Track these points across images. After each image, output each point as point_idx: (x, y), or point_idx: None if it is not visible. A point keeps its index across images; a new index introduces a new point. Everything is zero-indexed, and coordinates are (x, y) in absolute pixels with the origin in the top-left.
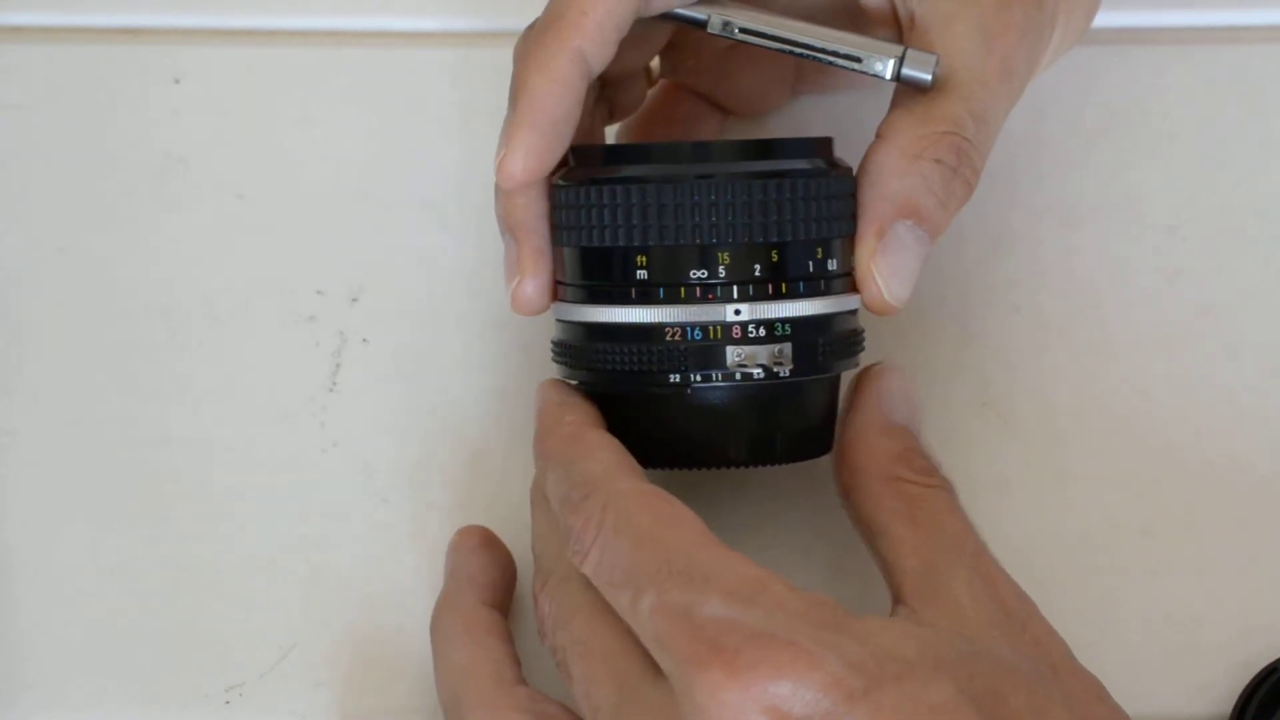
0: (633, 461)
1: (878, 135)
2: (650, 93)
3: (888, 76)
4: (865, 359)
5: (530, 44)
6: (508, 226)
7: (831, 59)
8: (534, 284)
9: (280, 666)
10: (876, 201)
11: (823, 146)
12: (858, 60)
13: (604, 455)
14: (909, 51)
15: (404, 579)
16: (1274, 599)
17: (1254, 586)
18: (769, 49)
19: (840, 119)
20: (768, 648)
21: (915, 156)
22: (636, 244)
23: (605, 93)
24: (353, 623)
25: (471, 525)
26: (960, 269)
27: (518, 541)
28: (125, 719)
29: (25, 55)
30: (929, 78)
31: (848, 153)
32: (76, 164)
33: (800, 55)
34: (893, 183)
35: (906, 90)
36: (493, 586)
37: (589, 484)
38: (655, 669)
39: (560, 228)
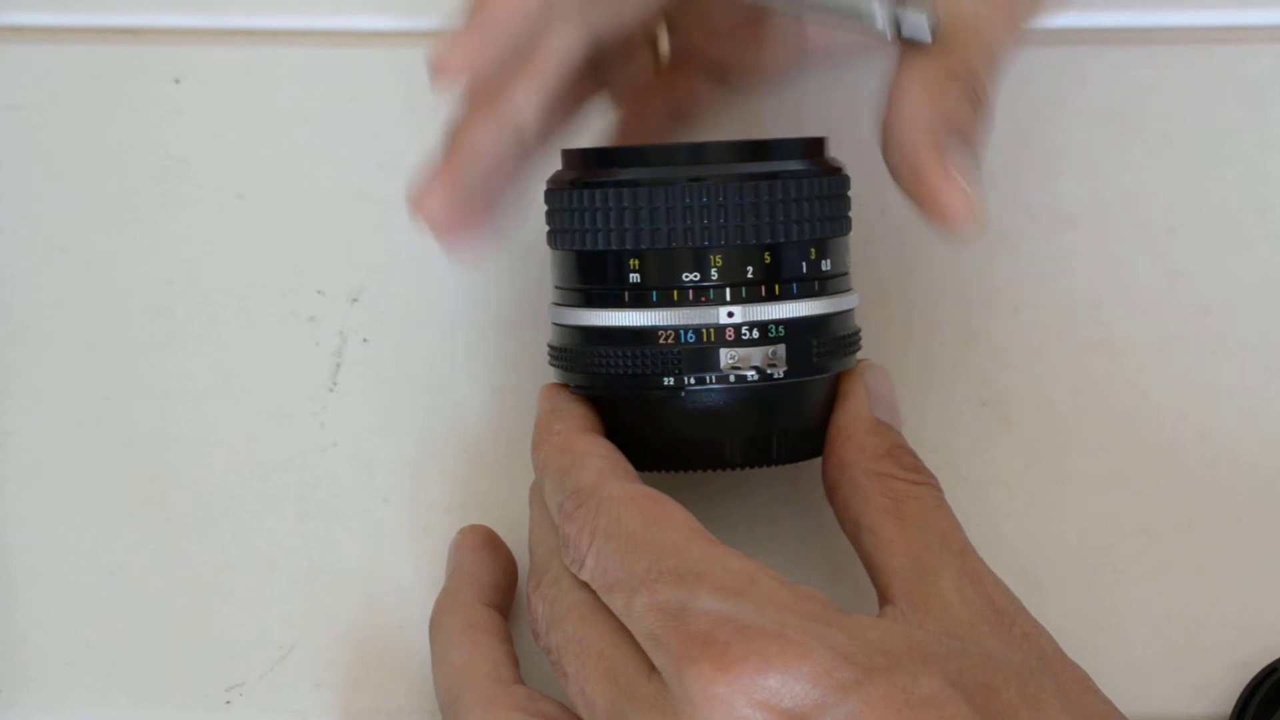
0: (624, 464)
1: (894, 90)
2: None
3: (883, 28)
4: (865, 358)
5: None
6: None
7: (833, 17)
8: (445, 196)
9: (280, 666)
10: (919, 133)
11: (815, 147)
12: (859, 16)
13: (594, 461)
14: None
15: (404, 579)
16: (1274, 599)
17: (1254, 586)
18: (773, 8)
19: (840, 118)
20: (756, 640)
21: (941, 92)
22: (629, 247)
23: (605, 63)
24: (353, 623)
25: (473, 524)
26: (960, 268)
27: (518, 541)
28: (125, 719)
29: (25, 55)
30: (928, 34)
31: (852, 141)
32: (76, 164)
33: (801, 15)
34: (928, 111)
35: (913, 49)
36: (493, 586)
37: (581, 492)
38: (649, 666)
39: (554, 231)
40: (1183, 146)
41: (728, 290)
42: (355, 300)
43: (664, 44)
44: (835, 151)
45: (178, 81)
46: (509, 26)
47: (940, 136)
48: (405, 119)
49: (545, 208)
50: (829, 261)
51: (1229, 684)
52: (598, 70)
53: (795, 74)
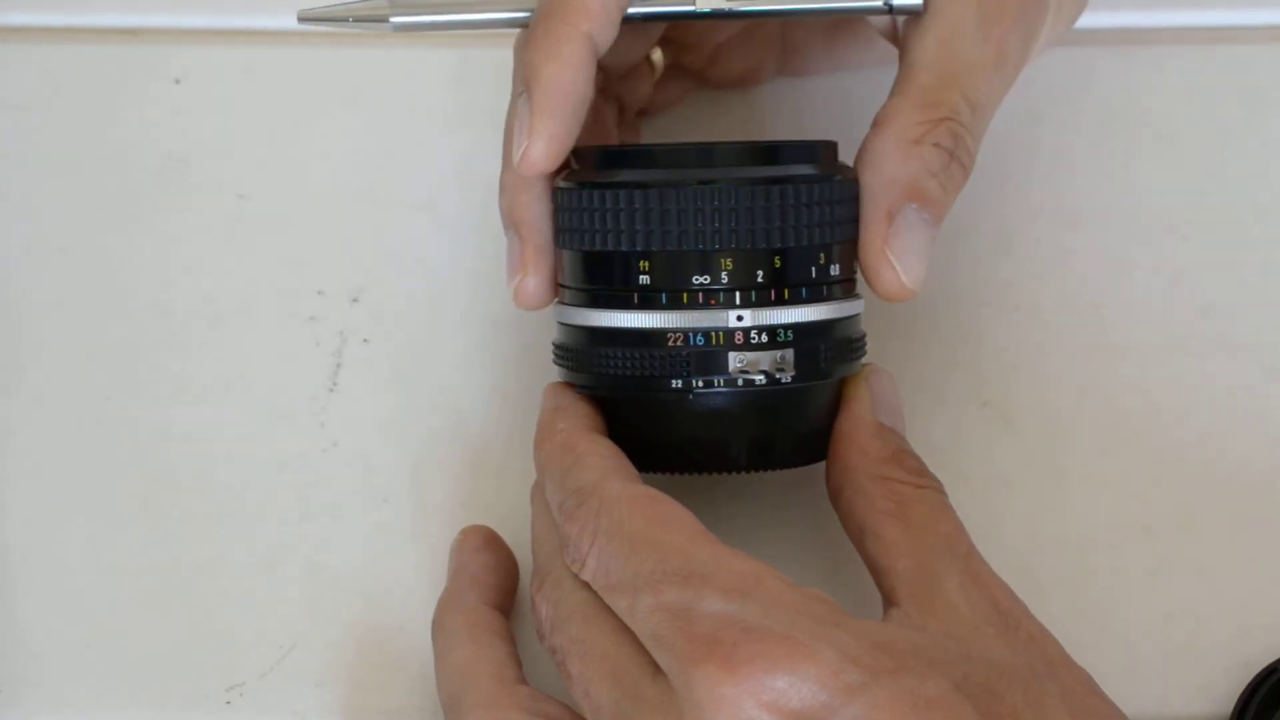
0: (627, 465)
1: (874, 124)
2: None
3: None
4: (869, 363)
5: (537, 35)
6: (511, 222)
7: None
8: (536, 280)
9: (280, 666)
10: (881, 187)
11: (826, 150)
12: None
13: (596, 461)
14: None
15: (404, 579)
16: (1274, 599)
17: (1254, 586)
18: (768, 19)
19: (844, 120)
20: (763, 642)
21: (915, 142)
22: (639, 248)
23: (612, 88)
24: (353, 622)
25: (475, 525)
26: (960, 269)
27: (519, 542)
28: (125, 719)
29: (25, 55)
30: (920, 2)
31: (855, 142)
32: (76, 164)
33: (801, 16)
34: (896, 168)
35: (903, 79)
36: (495, 587)
37: (582, 492)
38: (654, 667)
39: (563, 230)
40: (1183, 146)
41: (737, 294)
42: (355, 300)
43: (659, 60)
44: (839, 152)
45: (178, 81)
46: (572, 97)
47: (895, 202)
48: (406, 119)
49: (553, 206)
50: (837, 266)
51: (1229, 684)
52: (603, 90)
53: (772, 78)
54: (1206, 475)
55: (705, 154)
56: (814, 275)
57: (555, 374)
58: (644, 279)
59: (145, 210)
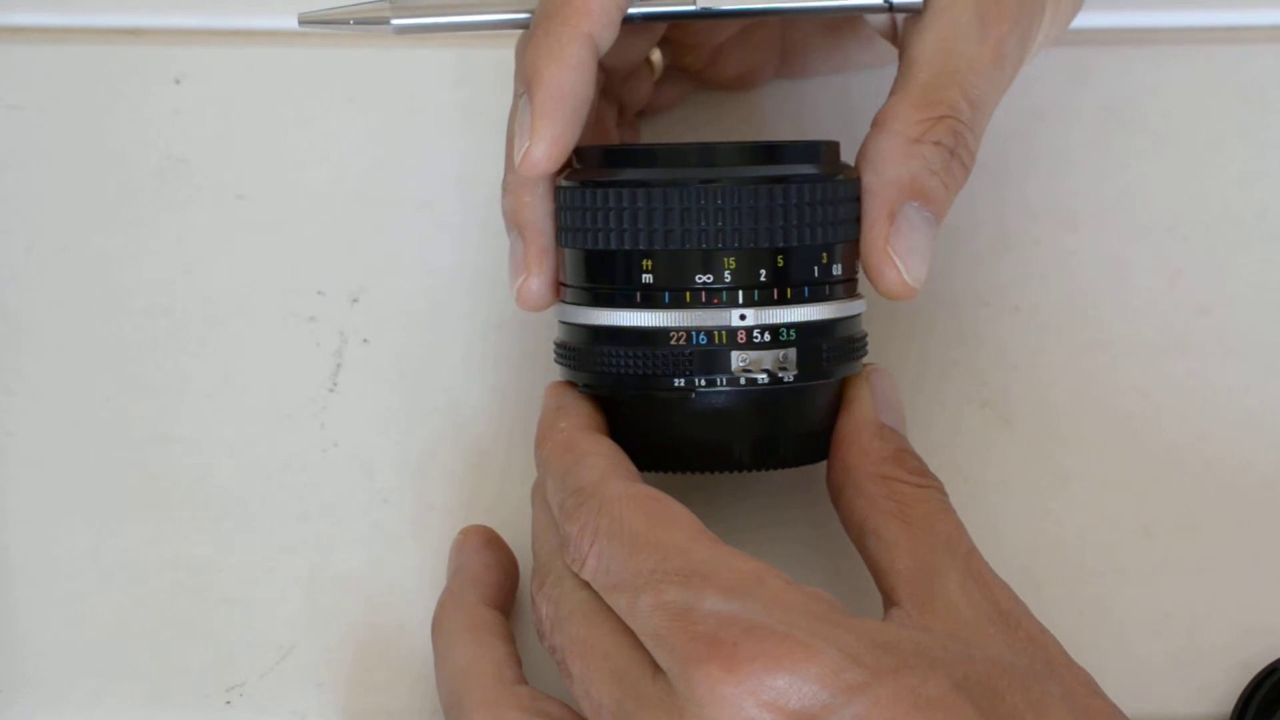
0: (627, 464)
1: (875, 123)
2: None
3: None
4: (870, 363)
5: (538, 34)
6: (514, 223)
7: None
8: (539, 281)
9: (280, 666)
10: (882, 186)
11: (829, 150)
12: None
13: (596, 460)
14: None
15: (404, 579)
16: (1274, 599)
17: (1254, 586)
18: (768, 18)
19: (848, 119)
20: (765, 641)
21: (915, 140)
22: (642, 247)
23: (613, 88)
24: (353, 623)
25: (475, 525)
26: (959, 269)
27: (519, 542)
28: (125, 719)
29: (25, 55)
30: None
31: (857, 141)
32: (76, 164)
33: (800, 14)
34: (897, 166)
35: (902, 78)
36: (495, 586)
37: (582, 491)
38: (654, 666)
39: (565, 229)
40: (1183, 146)
41: (740, 293)
42: (355, 300)
43: (658, 60)
44: (840, 151)
45: (178, 81)
46: (572, 98)
47: (897, 201)
48: (406, 119)
49: (556, 205)
50: (840, 266)
51: (1229, 684)
52: (604, 91)
53: (772, 80)
54: (1206, 475)
55: (708, 153)
56: (816, 275)
57: (556, 373)
58: (647, 278)
59: (145, 210)
